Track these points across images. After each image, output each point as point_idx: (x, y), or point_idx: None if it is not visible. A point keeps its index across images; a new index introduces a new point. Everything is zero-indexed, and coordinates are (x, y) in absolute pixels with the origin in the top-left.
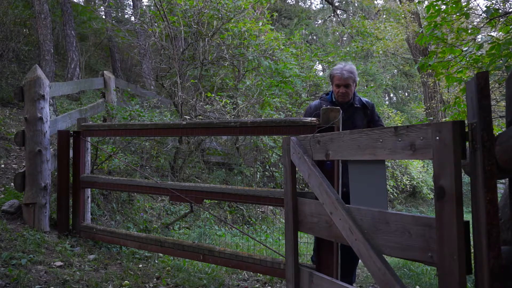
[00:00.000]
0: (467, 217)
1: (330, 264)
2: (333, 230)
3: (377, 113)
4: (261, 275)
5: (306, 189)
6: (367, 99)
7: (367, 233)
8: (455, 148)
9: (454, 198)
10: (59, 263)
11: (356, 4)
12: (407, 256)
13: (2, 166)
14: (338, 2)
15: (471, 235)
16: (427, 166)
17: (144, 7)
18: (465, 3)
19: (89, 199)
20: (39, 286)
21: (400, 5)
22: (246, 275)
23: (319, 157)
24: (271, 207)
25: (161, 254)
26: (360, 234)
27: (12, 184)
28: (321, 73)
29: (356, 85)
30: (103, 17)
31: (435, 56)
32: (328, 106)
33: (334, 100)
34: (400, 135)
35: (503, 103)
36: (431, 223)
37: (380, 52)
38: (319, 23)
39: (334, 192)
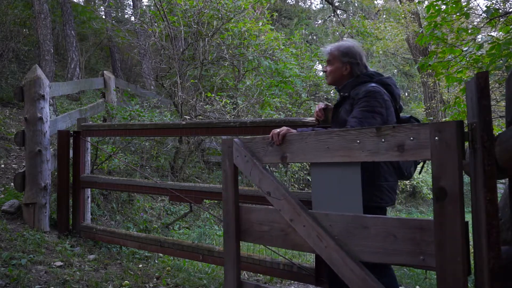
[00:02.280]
0: (467, 217)
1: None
2: (291, 238)
3: (364, 107)
4: (261, 275)
5: (306, 189)
6: (366, 87)
7: (339, 239)
8: (458, 148)
9: (458, 199)
10: (59, 263)
11: (356, 4)
12: (391, 261)
13: (2, 166)
14: (338, 2)
15: (470, 235)
16: (427, 166)
17: (144, 7)
18: (465, 3)
19: (89, 199)
20: (39, 286)
21: (400, 5)
22: (246, 275)
23: (272, 160)
24: None
25: (161, 254)
26: (332, 240)
27: (12, 184)
28: (321, 73)
29: (347, 65)
30: (103, 17)
31: (435, 56)
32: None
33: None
34: (384, 136)
35: (503, 103)
36: (423, 226)
37: (380, 52)
38: (319, 23)
39: (294, 197)
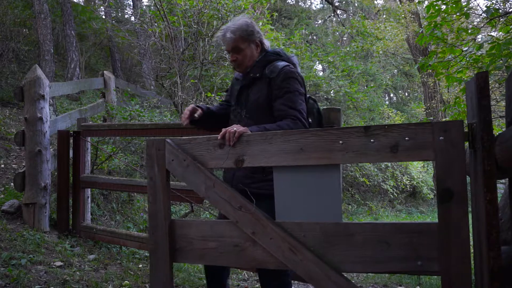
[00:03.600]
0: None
1: None
2: (249, 254)
3: (291, 91)
4: None
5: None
6: (283, 68)
7: (317, 250)
8: (463, 148)
9: (464, 200)
10: (59, 263)
11: (356, 4)
12: (382, 269)
13: (2, 166)
14: (338, 2)
15: (470, 235)
16: (427, 166)
17: (144, 7)
18: (465, 3)
19: (89, 199)
20: (39, 286)
21: (400, 5)
22: (246, 275)
23: (223, 164)
24: None
25: None
26: (309, 252)
27: (12, 184)
28: (321, 73)
29: (257, 45)
30: (103, 17)
31: (435, 56)
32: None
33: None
34: (374, 136)
35: (503, 103)
36: (421, 229)
37: (380, 52)
38: (319, 23)
39: (255, 207)
